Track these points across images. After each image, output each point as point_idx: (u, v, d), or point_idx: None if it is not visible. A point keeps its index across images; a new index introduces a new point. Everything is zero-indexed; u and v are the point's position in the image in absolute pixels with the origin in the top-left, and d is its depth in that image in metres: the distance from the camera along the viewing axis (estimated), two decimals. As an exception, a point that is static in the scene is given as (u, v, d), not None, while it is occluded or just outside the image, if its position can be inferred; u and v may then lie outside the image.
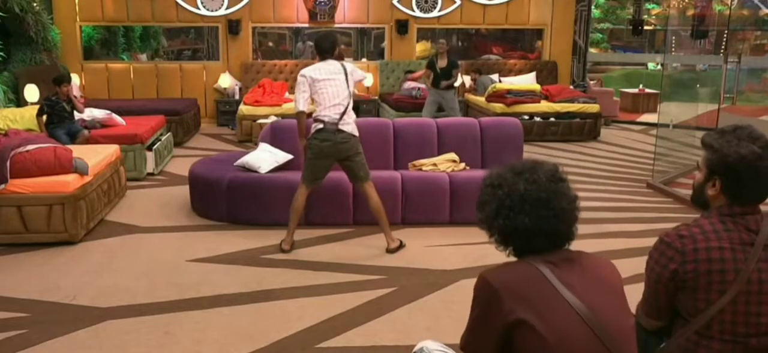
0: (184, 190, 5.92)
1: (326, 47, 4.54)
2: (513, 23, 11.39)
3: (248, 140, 8.69)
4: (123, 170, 6.12)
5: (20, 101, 7.84)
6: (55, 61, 9.23)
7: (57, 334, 3.38)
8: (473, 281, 1.73)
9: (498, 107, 9.27)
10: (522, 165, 1.73)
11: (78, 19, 10.18)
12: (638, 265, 3.26)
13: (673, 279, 1.92)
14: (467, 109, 10.29)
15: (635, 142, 9.55)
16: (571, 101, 9.56)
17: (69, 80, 6.95)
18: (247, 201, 5.25)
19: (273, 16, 10.62)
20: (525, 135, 6.26)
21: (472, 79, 10.95)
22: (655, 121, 9.09)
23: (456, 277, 4.21)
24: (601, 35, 15.43)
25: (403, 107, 9.49)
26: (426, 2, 10.82)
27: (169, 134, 8.03)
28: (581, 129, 9.47)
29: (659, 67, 13.25)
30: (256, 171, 5.36)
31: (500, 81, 10.62)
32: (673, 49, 10.56)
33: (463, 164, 5.61)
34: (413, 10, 10.82)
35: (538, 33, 11.96)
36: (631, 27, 12.78)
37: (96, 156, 5.39)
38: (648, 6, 14.74)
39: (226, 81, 10.45)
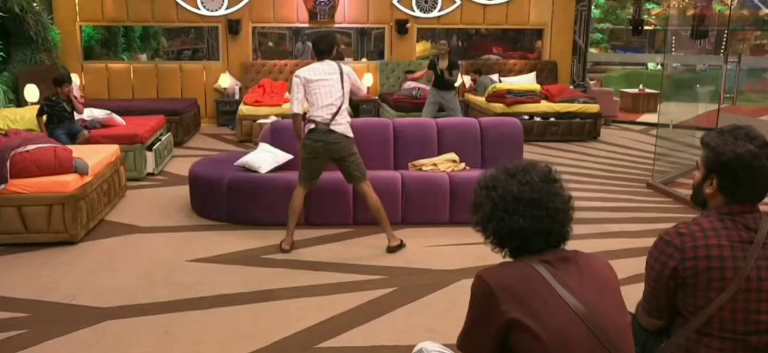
0: (184, 190, 5.92)
1: (323, 48, 4.54)
2: (513, 23, 11.38)
3: (248, 140, 8.69)
4: (123, 170, 6.12)
5: (20, 101, 7.84)
6: (55, 61, 9.23)
7: (57, 334, 3.39)
8: (473, 279, 1.73)
9: (498, 107, 9.27)
10: (515, 167, 1.75)
11: (78, 19, 10.18)
12: (638, 265, 3.26)
13: (673, 276, 1.93)
14: (467, 109, 10.29)
15: (635, 142, 9.55)
16: (571, 101, 9.56)
17: (70, 81, 6.95)
18: (247, 201, 5.25)
19: (273, 16, 10.62)
20: (525, 135, 6.26)
21: (472, 79, 10.95)
22: (655, 121, 9.09)
23: (456, 277, 4.21)
24: (601, 35, 15.44)
25: (403, 107, 9.49)
26: (426, 2, 10.82)
27: (169, 134, 8.03)
28: (581, 129, 9.47)
29: (659, 67, 13.25)
30: (256, 171, 5.36)
31: (500, 81, 10.62)
32: (673, 49, 10.55)
33: (463, 164, 5.61)
34: (413, 10, 10.82)
35: (538, 33, 11.96)
36: (631, 27, 12.78)
37: (96, 156, 5.39)
38: (648, 6, 14.75)
39: (226, 81, 10.45)
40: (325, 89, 4.42)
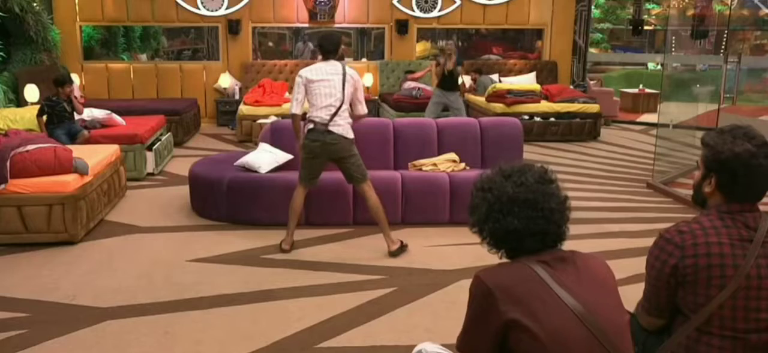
0: (184, 190, 5.92)
1: (328, 48, 4.50)
2: (513, 23, 11.38)
3: (248, 140, 8.69)
4: (123, 170, 6.12)
5: (20, 101, 7.84)
6: (55, 61, 9.24)
7: (57, 334, 3.39)
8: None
9: (498, 107, 9.27)
10: (511, 168, 1.76)
11: (78, 19, 10.18)
12: (638, 265, 3.27)
13: (674, 274, 1.93)
14: (467, 109, 10.27)
15: (635, 142, 9.56)
16: (571, 101, 9.56)
17: (71, 82, 6.95)
18: (247, 201, 5.25)
19: (273, 16, 10.63)
20: (525, 135, 6.27)
21: (472, 79, 10.95)
22: (655, 121, 9.09)
23: (456, 277, 4.21)
24: (601, 35, 15.44)
25: (403, 107, 9.49)
26: (426, 2, 10.82)
27: (169, 134, 8.03)
28: (581, 129, 9.47)
29: (659, 67, 13.25)
30: (256, 171, 5.36)
31: (500, 81, 10.63)
32: (673, 49, 10.55)
33: (463, 164, 5.61)
34: (413, 10, 10.82)
35: (538, 33, 11.96)
36: (631, 27, 12.78)
37: (96, 156, 5.39)
38: (648, 6, 14.75)
39: (226, 81, 10.45)
40: (325, 89, 4.41)
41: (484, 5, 11.00)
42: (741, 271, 1.87)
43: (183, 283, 4.09)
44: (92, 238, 4.95)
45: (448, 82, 8.19)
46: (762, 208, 1.99)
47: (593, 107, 9.55)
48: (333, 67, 4.47)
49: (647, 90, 13.02)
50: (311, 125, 4.45)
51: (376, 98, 10.53)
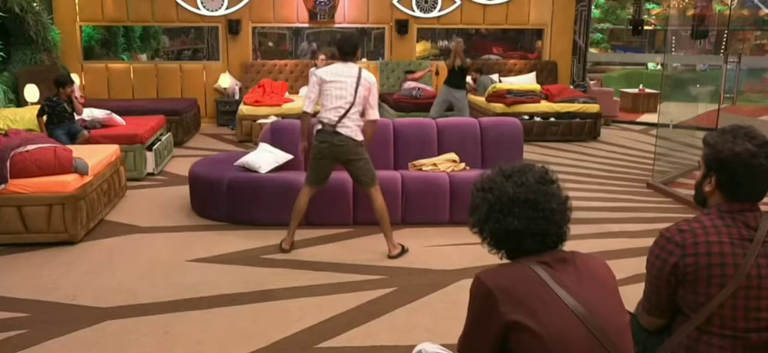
0: (184, 190, 5.92)
1: (347, 50, 4.46)
2: (513, 23, 11.38)
3: (248, 140, 8.69)
4: (123, 170, 6.12)
5: (20, 101, 7.84)
6: (55, 61, 9.24)
7: (57, 334, 3.39)
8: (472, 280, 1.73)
9: (498, 107, 9.27)
10: (511, 168, 1.75)
11: (78, 19, 10.18)
12: (638, 265, 3.27)
13: (674, 273, 1.93)
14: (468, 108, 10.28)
15: (635, 142, 9.56)
16: (571, 101, 9.56)
17: (71, 82, 6.94)
18: (247, 201, 5.25)
19: (273, 16, 10.63)
20: (525, 135, 6.27)
21: (472, 79, 10.94)
22: (655, 121, 9.09)
23: (456, 277, 4.21)
24: (601, 35, 15.44)
25: (403, 107, 9.48)
26: (426, 2, 10.82)
27: (169, 134, 8.03)
28: (581, 129, 9.47)
29: (659, 67, 13.25)
30: (256, 171, 5.36)
31: (500, 81, 10.62)
32: (673, 49, 10.55)
33: (463, 164, 5.61)
34: (413, 10, 10.82)
35: (538, 33, 11.96)
36: (631, 27, 12.78)
37: (96, 156, 5.39)
38: (648, 6, 14.75)
39: (226, 81, 10.45)
40: (336, 90, 4.38)
41: (484, 5, 11.00)
42: (741, 270, 1.87)
43: (183, 283, 4.09)
44: (92, 238, 4.95)
45: (455, 79, 8.20)
46: (763, 208, 1.99)
47: (593, 107, 9.55)
48: (349, 69, 4.44)
49: (647, 90, 13.02)
50: (319, 126, 4.44)
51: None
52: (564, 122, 9.40)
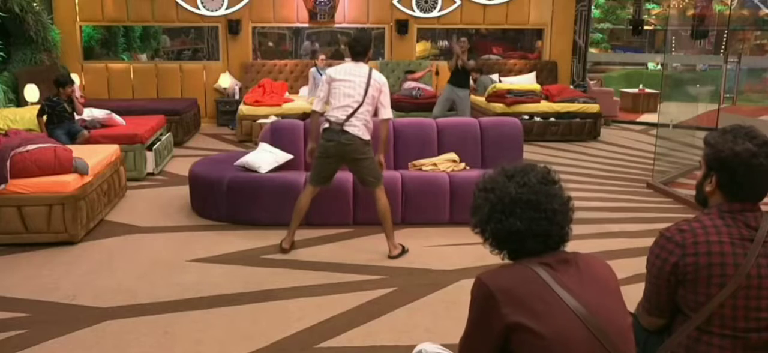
0: (184, 190, 5.92)
1: (358, 50, 4.45)
2: (513, 23, 11.38)
3: (248, 140, 8.69)
4: (123, 170, 6.12)
5: (20, 101, 7.84)
6: (55, 61, 9.23)
7: (57, 334, 3.38)
8: (473, 281, 1.73)
9: (498, 107, 9.27)
10: (513, 168, 1.74)
11: (78, 19, 10.18)
12: (638, 265, 3.26)
13: (674, 272, 1.93)
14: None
15: (635, 142, 9.56)
16: (571, 101, 9.56)
17: (72, 82, 6.94)
18: (247, 201, 5.25)
19: (273, 16, 10.62)
20: (525, 135, 6.26)
21: (472, 79, 10.94)
22: (655, 121, 9.09)
23: (456, 277, 4.21)
24: (601, 35, 15.43)
25: (403, 107, 9.48)
26: (426, 2, 10.82)
27: (169, 134, 8.03)
28: (581, 129, 9.47)
29: (659, 67, 13.25)
30: (256, 171, 5.36)
31: (500, 81, 10.62)
32: (673, 49, 10.55)
33: (463, 164, 5.61)
34: (413, 10, 10.81)
35: (538, 33, 11.96)
36: (631, 27, 12.78)
37: (96, 156, 5.39)
38: (648, 6, 14.75)
39: (226, 81, 10.45)
40: (345, 89, 4.37)
41: (484, 5, 10.99)
42: (741, 270, 1.87)
43: (183, 283, 4.09)
44: (92, 238, 4.95)
45: (458, 77, 8.21)
46: (763, 207, 1.99)
47: (593, 107, 9.55)
48: (359, 68, 4.43)
49: (647, 90, 13.02)
50: (327, 125, 4.43)
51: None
52: (564, 122, 9.40)
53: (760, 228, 1.92)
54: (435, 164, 5.53)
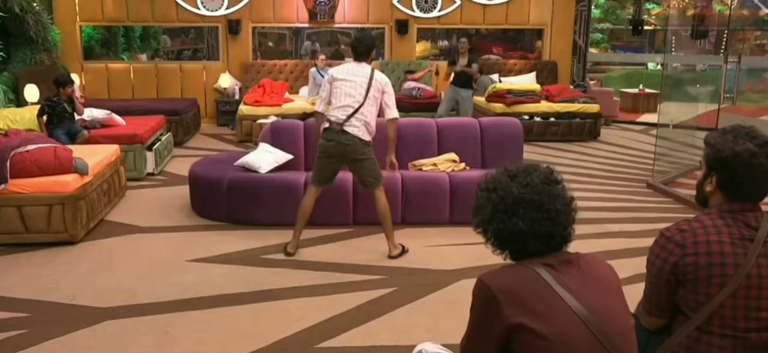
0: (184, 190, 5.92)
1: (360, 50, 4.45)
2: (513, 23, 11.38)
3: (248, 140, 8.69)
4: (123, 170, 6.12)
5: (20, 101, 7.84)
6: (55, 61, 9.23)
7: (57, 334, 3.38)
8: (473, 281, 1.72)
9: (498, 107, 9.27)
10: (516, 168, 1.74)
11: (78, 20, 10.18)
12: (638, 265, 3.27)
13: (674, 272, 1.93)
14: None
15: (635, 142, 9.55)
16: (571, 101, 9.56)
17: (72, 83, 6.94)
18: (247, 201, 5.25)
19: (273, 16, 10.62)
20: (525, 135, 6.26)
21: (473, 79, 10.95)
22: (655, 121, 9.09)
23: (456, 277, 4.21)
24: (601, 35, 15.43)
25: (403, 107, 9.41)
26: (426, 2, 10.82)
27: (169, 134, 8.03)
28: (581, 129, 9.47)
29: (659, 67, 13.25)
30: (256, 171, 5.36)
31: (500, 81, 10.62)
32: (673, 49, 10.55)
33: (463, 164, 5.61)
34: (413, 10, 10.81)
35: (538, 33, 11.96)
36: (631, 27, 12.78)
37: (96, 156, 5.39)
38: (648, 6, 14.75)
39: (226, 81, 10.45)
40: (346, 89, 4.36)
41: (484, 5, 10.99)
42: (742, 270, 1.87)
43: (183, 283, 4.09)
44: (92, 238, 4.95)
45: (460, 78, 8.22)
46: (764, 207, 1.99)
47: (593, 107, 9.55)
48: (361, 69, 4.42)
49: (647, 90, 13.02)
50: (327, 125, 4.42)
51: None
52: (564, 122, 9.40)
53: (760, 228, 1.92)
54: (435, 164, 5.53)
